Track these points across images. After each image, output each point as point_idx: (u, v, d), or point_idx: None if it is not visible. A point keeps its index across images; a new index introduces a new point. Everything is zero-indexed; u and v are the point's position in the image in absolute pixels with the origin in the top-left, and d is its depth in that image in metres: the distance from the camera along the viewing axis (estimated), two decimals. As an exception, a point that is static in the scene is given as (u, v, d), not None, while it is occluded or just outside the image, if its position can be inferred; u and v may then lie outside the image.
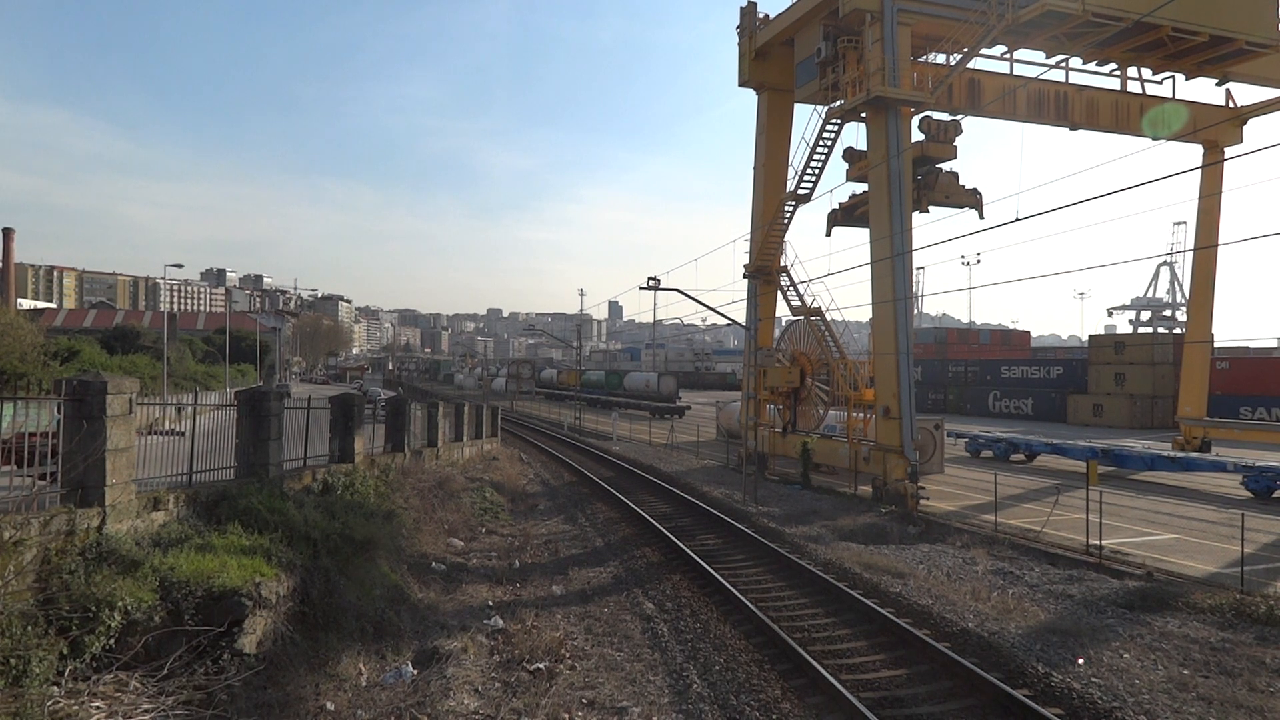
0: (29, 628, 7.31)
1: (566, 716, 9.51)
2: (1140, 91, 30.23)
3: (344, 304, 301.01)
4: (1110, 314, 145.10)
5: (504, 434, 45.58)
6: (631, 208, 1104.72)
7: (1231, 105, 31.17)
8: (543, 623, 13.23)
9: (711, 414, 52.92)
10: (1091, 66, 29.22)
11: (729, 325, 34.07)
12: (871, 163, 25.90)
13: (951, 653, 11.04)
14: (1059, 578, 15.49)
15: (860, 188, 28.88)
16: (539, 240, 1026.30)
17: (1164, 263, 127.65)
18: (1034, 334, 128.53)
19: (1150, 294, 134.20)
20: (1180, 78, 29.69)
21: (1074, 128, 29.29)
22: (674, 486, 27.53)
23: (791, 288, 31.32)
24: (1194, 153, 37.87)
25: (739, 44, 32.33)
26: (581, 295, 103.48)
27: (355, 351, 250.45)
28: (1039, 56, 28.40)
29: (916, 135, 26.84)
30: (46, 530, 8.36)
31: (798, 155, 28.75)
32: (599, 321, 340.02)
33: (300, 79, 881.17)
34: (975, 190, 28.30)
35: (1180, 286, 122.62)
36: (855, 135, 28.25)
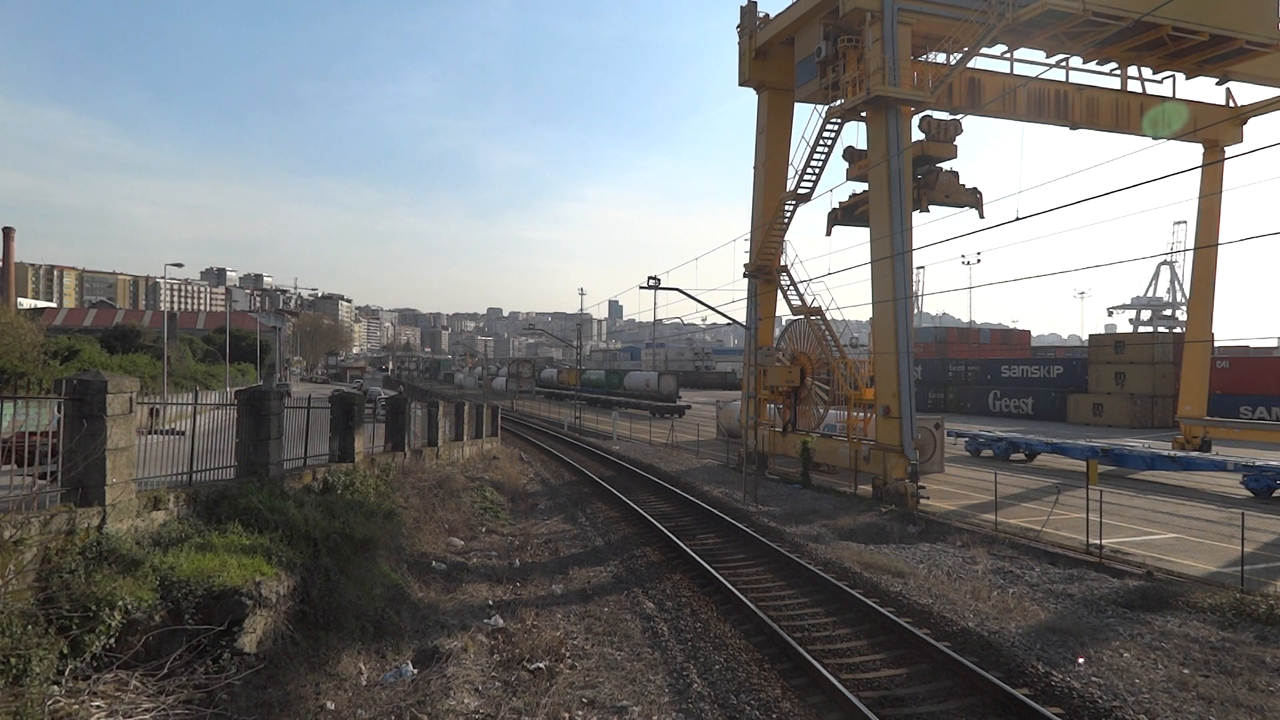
0: (29, 627, 7.31)
1: (567, 716, 9.51)
2: (1140, 91, 30.22)
3: (344, 303, 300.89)
4: (1110, 313, 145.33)
5: (504, 433, 45.59)
6: (632, 207, 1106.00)
7: (1231, 104, 31.16)
8: (543, 622, 13.24)
9: (711, 413, 52.93)
10: (1092, 66, 29.23)
11: (729, 325, 34.07)
12: (871, 162, 25.89)
13: (951, 652, 11.04)
14: (1059, 577, 15.49)
15: (860, 187, 28.87)
16: (539, 239, 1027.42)
17: (1164, 262, 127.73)
18: (1034, 333, 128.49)
19: (1150, 293, 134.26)
20: (1180, 77, 29.70)
21: (1074, 127, 29.29)
22: (674, 486, 27.53)
23: (791, 287, 31.32)
24: (1194, 152, 37.90)
25: (739, 43, 32.33)
26: (581, 294, 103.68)
27: (355, 351, 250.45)
28: (1039, 56, 28.43)
29: (916, 134, 26.83)
30: (47, 529, 8.36)
31: (798, 155, 28.80)
32: (599, 321, 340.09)
33: (300, 78, 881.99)
34: (975, 189, 28.30)
35: (1180, 286, 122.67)
36: (855, 134, 28.31)
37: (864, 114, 25.89)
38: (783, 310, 33.31)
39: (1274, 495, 23.87)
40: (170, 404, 19.90)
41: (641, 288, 29.12)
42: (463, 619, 13.26)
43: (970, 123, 42.38)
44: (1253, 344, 67.87)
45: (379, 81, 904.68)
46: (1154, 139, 30.11)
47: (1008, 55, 28.43)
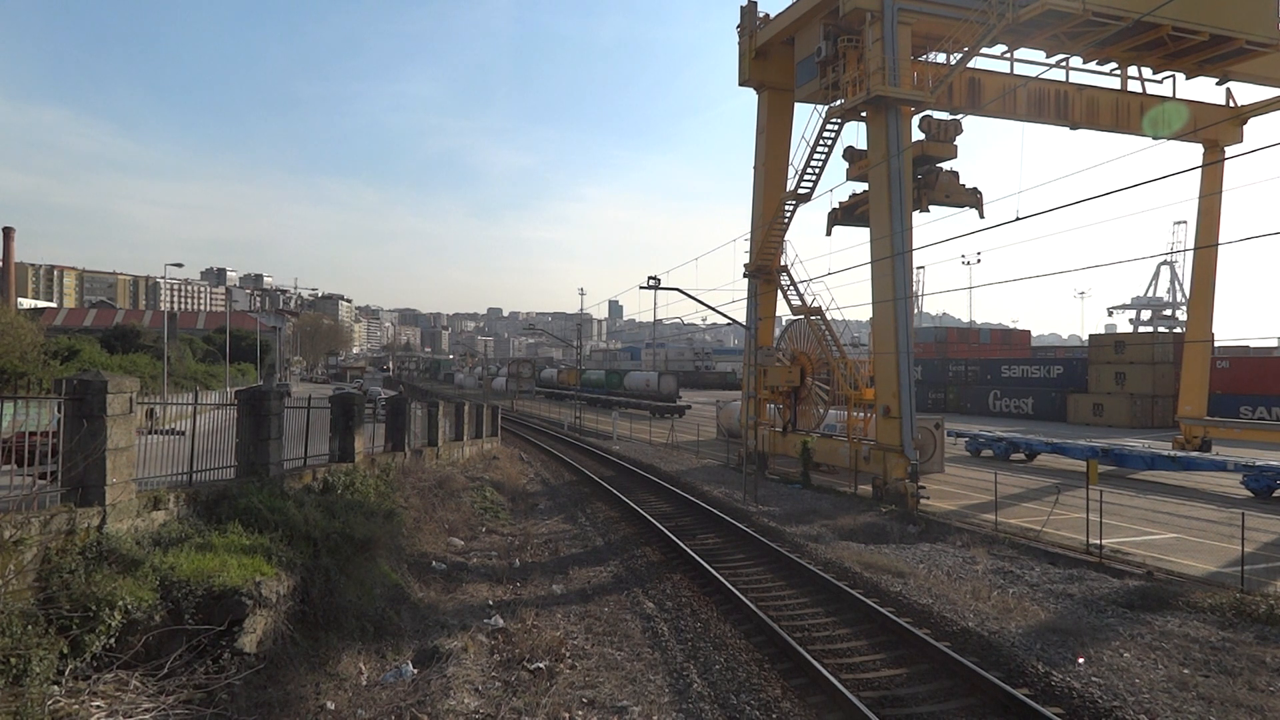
0: (29, 627, 7.31)
1: (567, 716, 9.51)
2: (1140, 91, 30.22)
3: (344, 303, 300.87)
4: (1111, 313, 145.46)
5: (504, 433, 45.59)
6: (632, 207, 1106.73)
7: (1232, 104, 31.16)
8: (543, 622, 13.24)
9: (711, 413, 52.93)
10: (1092, 66, 29.22)
11: (729, 325, 34.07)
12: (872, 162, 25.89)
13: (952, 652, 11.04)
14: (1059, 577, 15.49)
15: (860, 187, 28.88)
16: (539, 239, 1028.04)
17: (1164, 262, 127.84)
18: (1034, 333, 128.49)
19: (1150, 293, 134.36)
20: (1180, 77, 29.69)
21: (1074, 127, 29.29)
22: (674, 486, 27.52)
23: (791, 287, 31.32)
24: (1194, 152, 37.87)
25: (739, 43, 32.32)
26: (582, 294, 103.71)
27: (355, 351, 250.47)
28: (1039, 56, 28.43)
29: (917, 134, 26.83)
30: (47, 529, 8.36)
31: (798, 155, 28.79)
32: (599, 321, 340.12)
33: (301, 77, 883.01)
34: (975, 189, 28.30)
35: (1180, 286, 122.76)
36: (855, 134, 28.30)
37: (864, 114, 25.88)
38: (783, 310, 33.36)
39: (1274, 495, 23.86)
40: (170, 404, 19.90)
41: (641, 288, 29.12)
42: (463, 619, 13.26)
43: (970, 123, 42.40)
44: (1253, 344, 67.92)
45: (379, 81, 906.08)
46: (1154, 139, 30.11)
47: (1008, 55, 28.43)
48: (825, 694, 10.09)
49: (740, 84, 32.52)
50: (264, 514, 11.65)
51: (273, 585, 9.93)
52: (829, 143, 27.54)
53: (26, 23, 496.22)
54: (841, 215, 30.61)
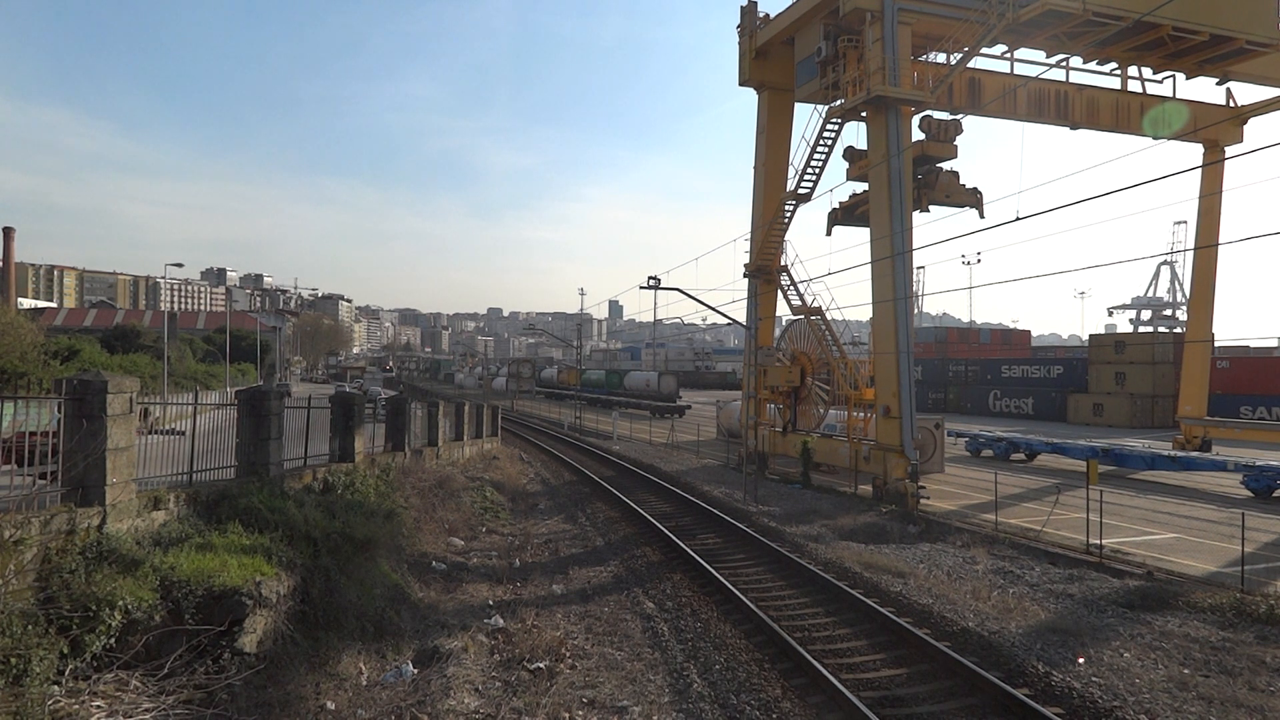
0: (29, 627, 7.31)
1: (567, 716, 9.51)
2: (1140, 91, 30.21)
3: (344, 303, 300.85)
4: (1111, 313, 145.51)
5: (504, 433, 45.60)
6: (632, 207, 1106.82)
7: (1232, 104, 31.16)
8: (543, 622, 13.24)
9: (712, 413, 52.93)
10: (1092, 66, 29.22)
11: (729, 325, 34.08)
12: (872, 162, 25.89)
13: (952, 652, 11.03)
14: (1059, 577, 15.49)
15: (861, 187, 28.87)
16: (539, 239, 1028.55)
17: (1164, 262, 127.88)
18: (1034, 333, 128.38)
19: (1151, 293, 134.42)
20: (1180, 77, 29.69)
21: (1074, 127, 29.29)
22: (674, 486, 27.53)
23: (792, 287, 31.32)
24: (1194, 152, 37.83)
25: (739, 43, 32.33)
26: (582, 294, 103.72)
27: (355, 351, 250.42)
28: (1039, 56, 28.43)
29: (917, 134, 26.82)
30: (47, 529, 8.35)
31: (798, 155, 28.80)
32: (599, 321, 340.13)
33: (301, 77, 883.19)
34: (975, 189, 28.29)
35: (1180, 286, 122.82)
36: (855, 134, 28.27)
37: (864, 114, 25.88)
38: (783, 310, 33.36)
39: (1274, 495, 23.86)
40: (170, 404, 19.89)
41: (641, 288, 29.14)
42: (463, 619, 13.26)
43: (970, 123, 42.44)
44: (1253, 344, 67.93)
45: (379, 81, 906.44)
46: (1154, 139, 30.11)
47: (1008, 55, 28.43)
48: (825, 694, 10.10)
49: (740, 84, 32.52)
50: (264, 514, 11.64)
51: (273, 585, 9.93)
52: (829, 143, 27.54)
53: (26, 23, 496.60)
54: (841, 215, 30.60)
